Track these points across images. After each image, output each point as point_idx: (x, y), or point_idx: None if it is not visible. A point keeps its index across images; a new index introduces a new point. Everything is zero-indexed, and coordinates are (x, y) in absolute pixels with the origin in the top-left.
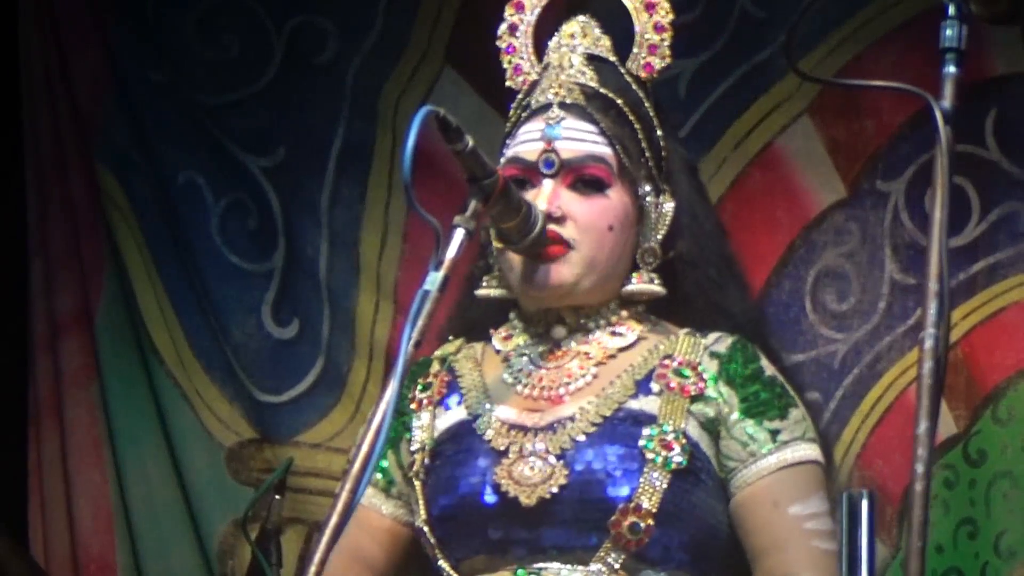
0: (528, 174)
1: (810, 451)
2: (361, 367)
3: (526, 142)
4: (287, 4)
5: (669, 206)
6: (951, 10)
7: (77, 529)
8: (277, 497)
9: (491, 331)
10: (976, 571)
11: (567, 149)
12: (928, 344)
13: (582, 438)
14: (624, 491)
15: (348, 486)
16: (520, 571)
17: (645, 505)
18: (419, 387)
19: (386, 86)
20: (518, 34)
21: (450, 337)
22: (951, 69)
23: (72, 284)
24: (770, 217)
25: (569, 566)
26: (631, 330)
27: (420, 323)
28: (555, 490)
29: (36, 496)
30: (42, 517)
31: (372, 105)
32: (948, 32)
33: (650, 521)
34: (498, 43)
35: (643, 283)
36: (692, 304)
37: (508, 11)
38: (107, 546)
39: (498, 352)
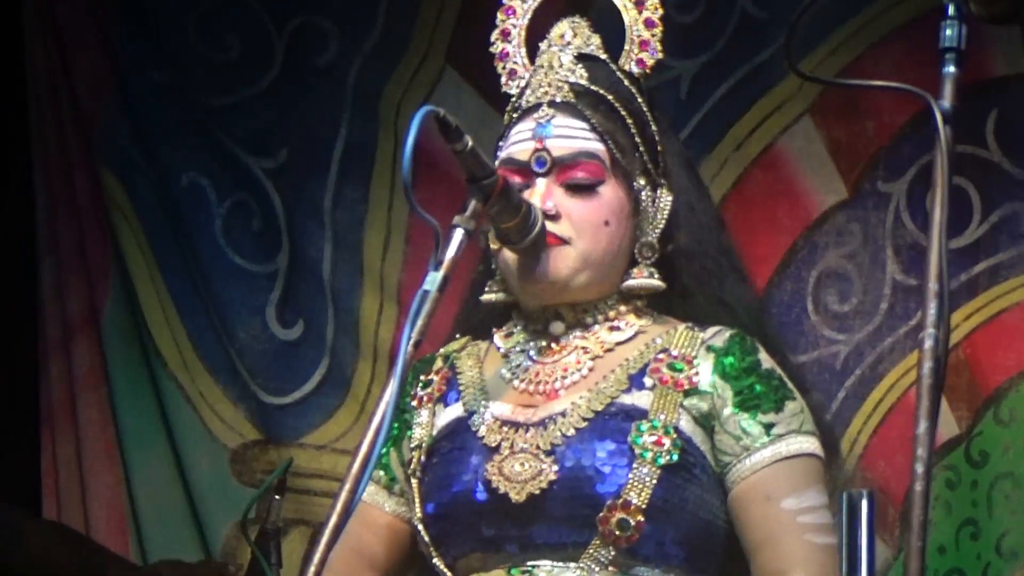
0: (522, 174)
1: (806, 444)
2: (365, 368)
3: (518, 142)
4: (288, 5)
5: (667, 200)
6: (951, 10)
7: (92, 530)
8: (277, 497)
9: (494, 331)
10: (978, 572)
11: (558, 147)
12: (928, 344)
13: (572, 433)
14: (612, 487)
15: (348, 485)
16: (513, 569)
17: (634, 501)
18: (420, 384)
19: (387, 87)
20: (511, 39)
21: (456, 336)
22: (951, 69)
23: (81, 286)
24: (772, 218)
25: (561, 563)
26: (630, 324)
27: (420, 323)
28: (544, 486)
29: (51, 498)
30: (57, 519)
31: (374, 106)
32: (948, 32)
33: (640, 517)
34: (491, 49)
35: (642, 278)
36: (692, 297)
37: (500, 16)
38: (121, 548)
39: (499, 349)
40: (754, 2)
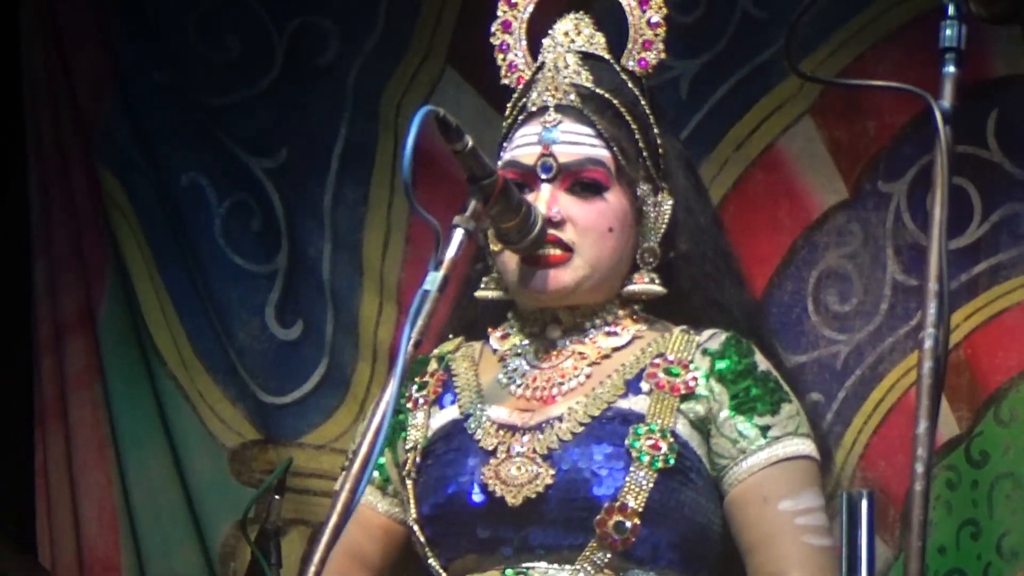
0: (526, 178)
1: (802, 446)
2: (365, 368)
3: (523, 146)
4: (288, 5)
5: (668, 204)
6: (951, 10)
7: (82, 530)
8: (276, 497)
9: (489, 330)
10: (979, 572)
11: (565, 153)
12: (928, 344)
13: (569, 438)
14: (609, 490)
15: (348, 486)
16: (508, 571)
17: (631, 504)
18: (415, 386)
19: (388, 87)
20: (511, 31)
21: (450, 336)
22: (950, 69)
23: (75, 285)
24: (772, 218)
25: (556, 565)
26: (626, 329)
27: (420, 323)
28: (541, 490)
29: (43, 498)
30: (48, 518)
31: (374, 106)
32: (947, 32)
33: (636, 520)
34: (491, 40)
35: (644, 283)
36: (689, 300)
37: (501, 8)
38: (111, 547)
39: (495, 352)
40: (755, 2)
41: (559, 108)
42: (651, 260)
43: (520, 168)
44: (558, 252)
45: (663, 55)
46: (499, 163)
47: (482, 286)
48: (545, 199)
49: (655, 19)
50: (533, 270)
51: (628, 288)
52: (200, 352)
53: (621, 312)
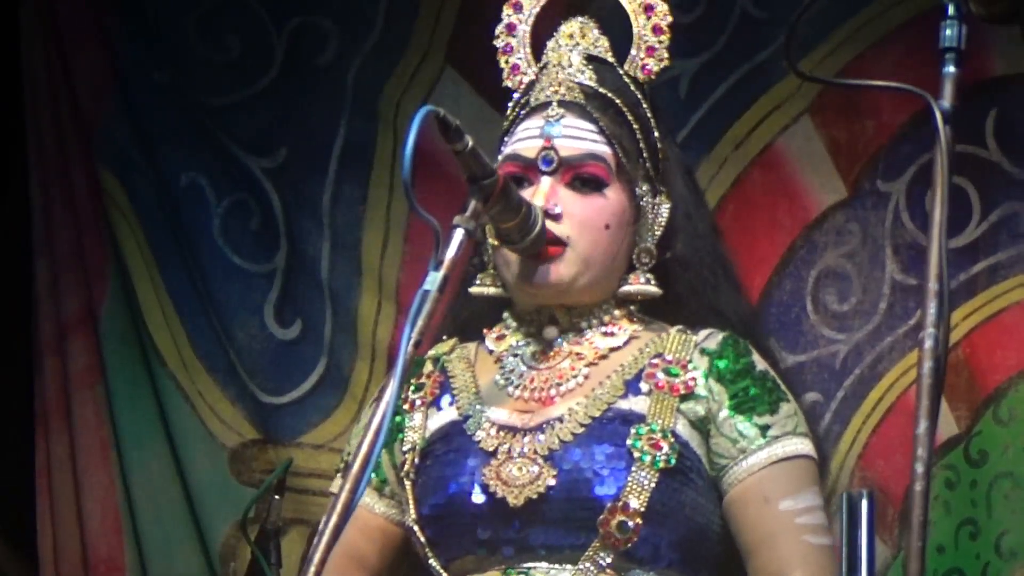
0: (526, 171)
1: (801, 445)
2: (363, 368)
3: (525, 139)
4: (288, 4)
5: (666, 207)
6: (951, 10)
7: (86, 530)
8: (276, 497)
9: (484, 331)
10: (977, 571)
11: (566, 147)
12: (928, 344)
13: (570, 439)
14: (611, 490)
15: (348, 486)
16: (509, 571)
17: (633, 504)
18: (412, 387)
19: (387, 86)
20: (515, 34)
21: (444, 337)
22: (950, 69)
23: (77, 285)
24: (771, 218)
25: (558, 566)
26: (623, 330)
27: (420, 323)
28: (542, 490)
29: (45, 497)
30: (51, 518)
31: (373, 105)
32: (947, 32)
33: (638, 520)
34: (495, 42)
35: (639, 284)
36: (685, 304)
37: (506, 11)
38: (115, 547)
39: (491, 352)
40: (754, 2)
41: (562, 103)
42: (647, 261)
43: (521, 161)
44: (555, 247)
45: (666, 62)
46: (500, 157)
47: (477, 282)
48: (544, 192)
49: (659, 26)
50: (533, 266)
51: (624, 288)
52: (200, 352)
53: (617, 312)
